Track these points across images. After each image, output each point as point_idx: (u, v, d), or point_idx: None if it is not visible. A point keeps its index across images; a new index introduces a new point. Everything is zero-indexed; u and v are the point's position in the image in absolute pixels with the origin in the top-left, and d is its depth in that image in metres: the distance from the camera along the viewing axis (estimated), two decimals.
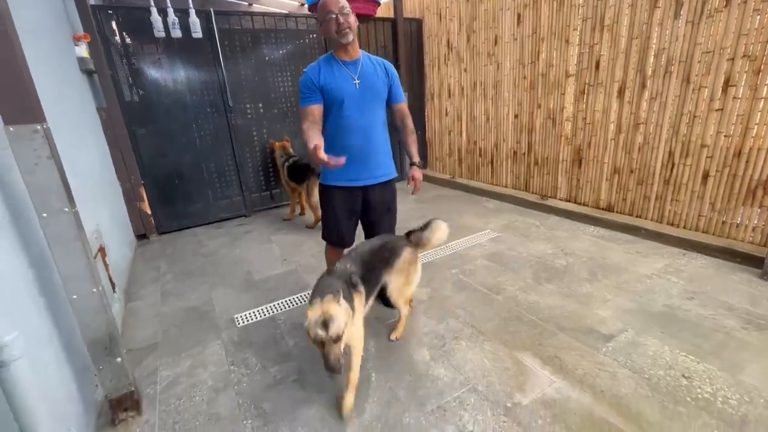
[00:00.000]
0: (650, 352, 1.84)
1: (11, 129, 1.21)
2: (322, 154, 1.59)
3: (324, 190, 2.10)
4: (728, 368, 1.70)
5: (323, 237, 2.23)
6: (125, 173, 3.68)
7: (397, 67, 4.96)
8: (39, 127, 1.24)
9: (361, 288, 1.66)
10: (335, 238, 2.18)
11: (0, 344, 0.85)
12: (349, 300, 1.53)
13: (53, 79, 2.29)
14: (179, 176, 4.08)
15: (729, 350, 1.81)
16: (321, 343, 1.32)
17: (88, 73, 3.28)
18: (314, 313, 1.34)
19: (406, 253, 1.93)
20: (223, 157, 4.26)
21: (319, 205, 3.76)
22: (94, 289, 1.41)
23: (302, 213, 4.36)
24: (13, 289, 1.14)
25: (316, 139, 1.70)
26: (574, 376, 1.72)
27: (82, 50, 3.06)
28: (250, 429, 1.57)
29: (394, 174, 2.16)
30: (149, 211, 3.89)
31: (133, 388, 1.58)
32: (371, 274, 1.79)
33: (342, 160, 1.61)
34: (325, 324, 1.30)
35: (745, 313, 2.06)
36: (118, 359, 1.52)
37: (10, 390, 0.88)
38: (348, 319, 1.40)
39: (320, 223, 3.86)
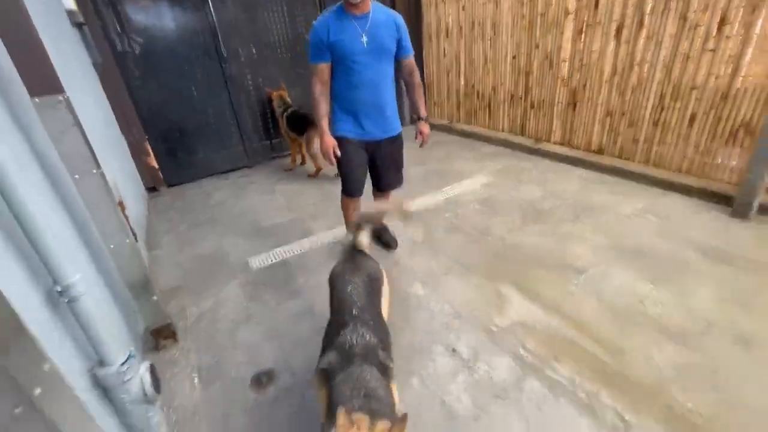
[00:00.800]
0: (616, 282, 2.09)
1: (36, 100, 1.33)
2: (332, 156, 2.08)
3: (337, 141, 2.11)
4: (680, 293, 1.95)
5: (343, 190, 2.32)
6: (127, 127, 3.76)
7: (393, 6, 4.77)
8: (61, 97, 1.36)
9: (392, 367, 1.15)
10: (354, 189, 2.29)
11: (70, 282, 1.07)
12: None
13: (49, 38, 2.31)
14: (180, 129, 4.16)
15: (684, 279, 2.06)
16: None
17: (78, 26, 3.24)
18: None
19: (384, 275, 1.55)
20: (220, 107, 4.30)
21: (318, 155, 3.90)
22: (127, 239, 1.62)
23: (303, 163, 4.48)
24: (65, 240, 1.34)
25: (326, 127, 2.05)
26: (547, 304, 1.99)
27: (70, 2, 3.00)
28: (270, 353, 1.87)
29: (400, 129, 2.25)
30: (156, 165, 4.03)
31: (169, 321, 1.87)
32: (381, 327, 1.28)
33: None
34: None
35: (707, 248, 2.29)
36: (154, 297, 1.78)
37: (84, 320, 1.12)
38: None
39: (319, 172, 4.02)
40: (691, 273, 2.10)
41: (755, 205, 2.48)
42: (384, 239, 2.64)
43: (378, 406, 0.93)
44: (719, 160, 2.85)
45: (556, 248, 2.45)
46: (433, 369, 1.70)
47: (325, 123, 2.06)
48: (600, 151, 3.64)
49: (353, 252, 1.54)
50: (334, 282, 1.41)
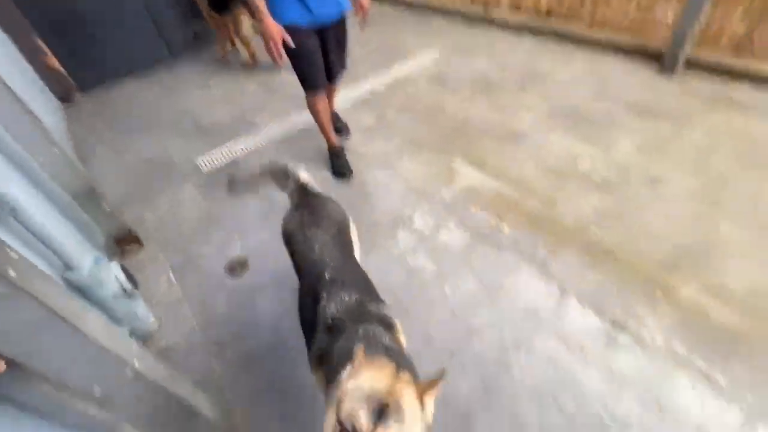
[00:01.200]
0: (553, 145, 2.27)
1: None
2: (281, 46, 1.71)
3: (288, 32, 1.75)
4: (606, 148, 2.17)
5: (308, 87, 2.03)
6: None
7: None
8: None
9: (394, 321, 1.01)
10: (318, 80, 2.01)
11: (4, 193, 1.02)
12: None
13: None
14: (77, 18, 3.45)
15: (611, 135, 2.26)
16: None
17: None
18: (362, 379, 0.69)
19: (346, 216, 1.30)
20: None
21: (250, 39, 3.48)
22: (55, 150, 1.49)
23: (233, 45, 3.95)
24: None
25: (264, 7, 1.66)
26: (491, 170, 2.15)
27: None
28: (239, 246, 1.96)
29: (350, 6, 1.94)
30: (61, 69, 3.43)
31: (129, 228, 1.85)
32: (359, 278, 1.11)
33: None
34: (382, 413, 0.65)
35: (635, 104, 2.46)
36: (105, 206, 1.73)
37: (34, 228, 1.10)
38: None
39: (254, 58, 3.63)
40: (618, 128, 2.30)
41: (682, 58, 2.62)
42: (336, 126, 2.59)
43: (399, 360, 0.79)
44: (657, 15, 2.87)
45: (502, 118, 2.54)
46: (394, 240, 1.88)
47: (261, 1, 1.67)
48: (548, 13, 3.52)
49: (303, 194, 1.28)
50: (291, 238, 1.18)
